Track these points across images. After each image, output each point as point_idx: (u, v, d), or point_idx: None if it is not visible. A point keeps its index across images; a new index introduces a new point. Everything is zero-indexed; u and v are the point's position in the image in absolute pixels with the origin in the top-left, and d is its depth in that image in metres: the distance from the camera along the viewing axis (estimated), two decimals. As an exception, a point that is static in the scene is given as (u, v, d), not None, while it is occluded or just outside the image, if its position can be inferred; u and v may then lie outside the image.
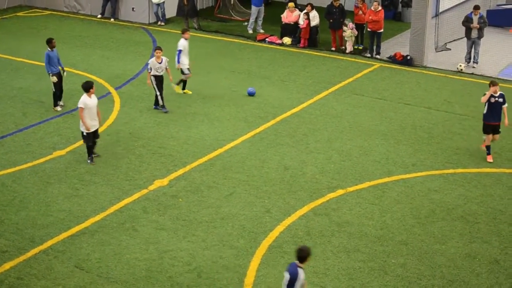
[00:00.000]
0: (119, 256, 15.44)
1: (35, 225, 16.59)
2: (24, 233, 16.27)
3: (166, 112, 23.19)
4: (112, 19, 35.23)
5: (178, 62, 24.42)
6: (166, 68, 23.13)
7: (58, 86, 23.25)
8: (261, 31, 33.29)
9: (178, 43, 24.51)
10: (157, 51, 22.95)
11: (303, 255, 12.18)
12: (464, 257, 15.54)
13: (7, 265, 15.04)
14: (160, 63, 22.93)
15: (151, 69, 22.95)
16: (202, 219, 16.90)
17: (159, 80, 23.12)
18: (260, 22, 33.55)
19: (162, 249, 15.68)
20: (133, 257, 15.38)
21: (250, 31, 33.26)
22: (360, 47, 30.78)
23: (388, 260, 15.39)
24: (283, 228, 16.58)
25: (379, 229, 16.59)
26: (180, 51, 24.37)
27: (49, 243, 15.89)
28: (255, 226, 16.64)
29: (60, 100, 23.43)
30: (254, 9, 33.38)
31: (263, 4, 33.55)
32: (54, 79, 23.00)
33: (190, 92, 24.99)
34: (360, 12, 30.09)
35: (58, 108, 23.29)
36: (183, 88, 25.07)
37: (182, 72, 24.73)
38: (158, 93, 23.27)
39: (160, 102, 23.34)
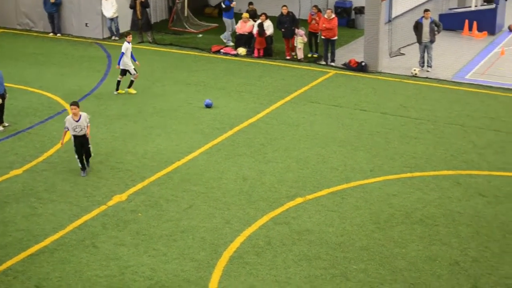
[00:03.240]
0: (79, 273, 15.30)
1: (-7, 246, 16.43)
2: (-18, 254, 16.10)
3: (83, 176, 19.75)
4: (58, 34, 35.18)
5: (119, 63, 26.38)
6: (87, 126, 19.56)
7: (1, 108, 23.04)
8: (231, 44, 33.11)
9: (122, 45, 26.52)
10: (72, 106, 19.37)
11: None
12: (424, 260, 15.65)
13: (-34, 288, 14.88)
14: (77, 121, 19.32)
15: (67, 128, 19.42)
16: (162, 233, 16.83)
17: (78, 141, 19.57)
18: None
19: (123, 265, 15.57)
20: (94, 274, 15.26)
21: (231, 43, 33.10)
22: (315, 55, 30.91)
23: (349, 266, 15.45)
24: (244, 239, 16.56)
25: (339, 235, 16.65)
26: (122, 53, 26.29)
27: (8, 263, 15.68)
28: (215, 238, 16.60)
29: (2, 122, 23.15)
30: (228, 22, 33.60)
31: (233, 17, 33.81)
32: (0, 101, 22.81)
33: (135, 92, 26.58)
34: (314, 21, 30.22)
35: (1, 128, 23.00)
36: (129, 87, 26.69)
37: (129, 73, 26.36)
38: (76, 156, 19.78)
39: (78, 165, 19.80)
